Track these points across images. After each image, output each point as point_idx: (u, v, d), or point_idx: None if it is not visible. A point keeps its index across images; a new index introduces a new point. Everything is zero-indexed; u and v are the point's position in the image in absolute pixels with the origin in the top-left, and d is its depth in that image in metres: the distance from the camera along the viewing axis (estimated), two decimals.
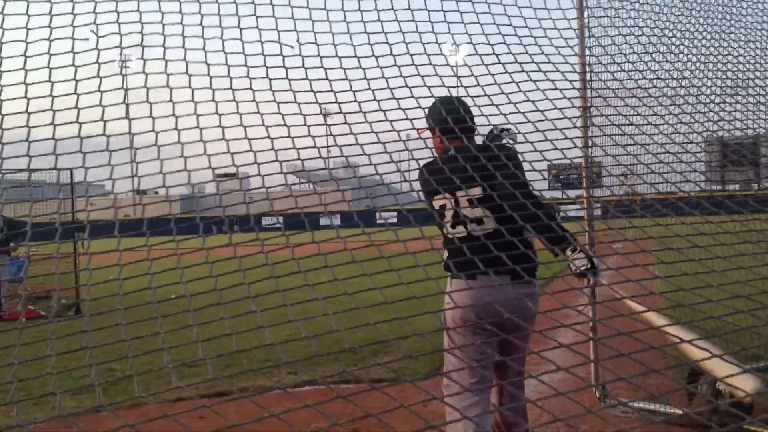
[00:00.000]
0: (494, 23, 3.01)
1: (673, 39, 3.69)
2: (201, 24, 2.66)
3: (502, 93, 2.77)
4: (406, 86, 2.78)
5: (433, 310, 2.05)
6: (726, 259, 2.03)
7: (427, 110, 3.24)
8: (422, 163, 3.15)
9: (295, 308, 1.91)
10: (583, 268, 2.99)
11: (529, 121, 2.69)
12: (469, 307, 3.00)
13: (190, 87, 2.50)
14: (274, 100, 2.53)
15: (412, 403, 1.68)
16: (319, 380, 5.92)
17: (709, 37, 3.81)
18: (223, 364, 6.25)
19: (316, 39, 2.78)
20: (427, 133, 3.29)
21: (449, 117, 2.98)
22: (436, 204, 3.17)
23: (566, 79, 3.03)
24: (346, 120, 2.53)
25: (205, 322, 1.95)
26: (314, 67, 2.70)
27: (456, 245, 3.04)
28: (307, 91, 2.61)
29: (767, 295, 1.98)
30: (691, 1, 3.92)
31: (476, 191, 2.94)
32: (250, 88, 2.55)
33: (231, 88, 2.55)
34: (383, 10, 2.99)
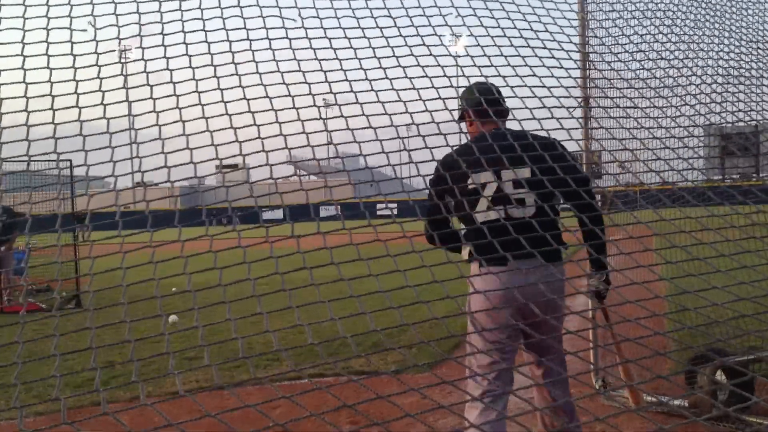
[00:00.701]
0: (494, 17, 3.00)
1: (676, 20, 3.68)
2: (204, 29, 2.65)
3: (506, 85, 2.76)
4: (427, 76, 2.75)
5: (451, 297, 2.04)
6: (730, 257, 2.02)
7: (461, 96, 3.25)
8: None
9: (298, 302, 1.90)
10: (602, 288, 3.14)
11: (534, 118, 2.68)
12: (509, 290, 2.99)
13: (194, 78, 2.49)
14: (267, 95, 2.51)
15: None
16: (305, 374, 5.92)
17: (709, 25, 3.79)
18: (223, 357, 6.26)
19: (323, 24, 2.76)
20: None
21: (483, 99, 2.97)
22: (470, 185, 3.10)
23: (565, 68, 3.03)
24: (360, 110, 2.51)
25: (209, 323, 1.95)
26: (324, 51, 2.69)
27: (493, 226, 2.99)
28: (321, 81, 2.59)
29: None
30: None
31: (525, 172, 2.92)
32: (236, 74, 2.53)
33: (236, 73, 2.53)
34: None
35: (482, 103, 2.99)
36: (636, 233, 2.60)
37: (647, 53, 3.53)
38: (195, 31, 2.61)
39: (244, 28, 2.63)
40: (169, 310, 1.88)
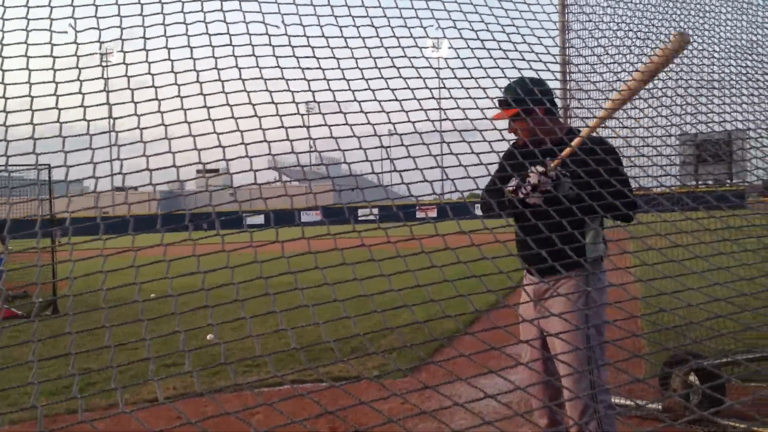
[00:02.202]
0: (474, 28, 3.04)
1: (648, 33, 3.76)
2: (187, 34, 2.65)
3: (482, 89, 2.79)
4: (409, 88, 2.77)
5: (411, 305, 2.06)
6: (706, 259, 2.07)
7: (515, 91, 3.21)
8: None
9: (281, 307, 1.91)
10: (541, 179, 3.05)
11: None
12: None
13: (176, 84, 2.49)
14: (250, 101, 2.52)
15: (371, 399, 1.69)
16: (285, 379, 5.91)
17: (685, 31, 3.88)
18: (202, 363, 6.22)
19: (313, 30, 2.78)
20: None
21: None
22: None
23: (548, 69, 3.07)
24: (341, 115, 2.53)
25: (189, 329, 1.94)
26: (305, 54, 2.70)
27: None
28: (305, 90, 2.61)
29: (746, 298, 2.03)
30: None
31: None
32: (219, 79, 2.53)
33: (220, 79, 2.53)
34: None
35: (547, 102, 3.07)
36: (615, 237, 2.65)
37: (623, 65, 3.60)
38: (177, 35, 2.61)
39: (227, 33, 2.64)
40: (148, 315, 1.88)
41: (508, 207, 3.20)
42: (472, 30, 2.99)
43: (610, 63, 3.59)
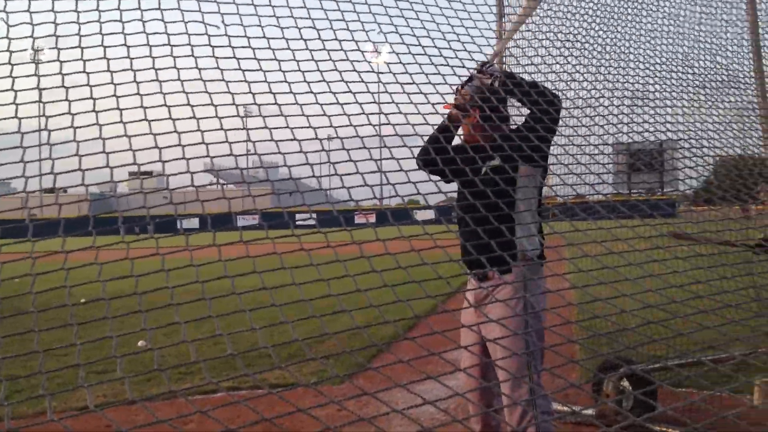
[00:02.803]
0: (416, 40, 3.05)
1: (586, 45, 3.85)
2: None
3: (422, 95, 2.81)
4: (350, 92, 2.75)
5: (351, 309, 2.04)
6: (639, 266, 2.12)
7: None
8: None
9: (217, 311, 1.87)
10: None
11: (457, 135, 2.72)
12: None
13: (112, 83, 2.41)
14: (188, 103, 2.46)
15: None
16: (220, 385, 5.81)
17: (617, 49, 4.00)
18: (133, 370, 6.05)
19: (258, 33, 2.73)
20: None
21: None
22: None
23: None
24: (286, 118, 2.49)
25: (120, 334, 1.89)
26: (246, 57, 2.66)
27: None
28: (245, 92, 2.56)
29: (677, 305, 2.08)
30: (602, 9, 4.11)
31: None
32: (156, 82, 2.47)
33: (157, 79, 2.47)
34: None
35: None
36: (552, 243, 2.69)
37: (560, 74, 3.67)
38: (114, 33, 2.54)
39: (165, 32, 2.58)
40: (78, 320, 1.81)
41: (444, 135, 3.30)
42: (414, 36, 3.01)
43: (548, 72, 3.66)
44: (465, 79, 3.20)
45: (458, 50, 3.04)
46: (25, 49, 2.50)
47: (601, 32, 4.04)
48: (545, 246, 3.23)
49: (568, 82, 3.64)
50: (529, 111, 3.09)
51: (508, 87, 3.15)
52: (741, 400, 4.20)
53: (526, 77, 3.83)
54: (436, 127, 3.19)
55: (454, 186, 3.27)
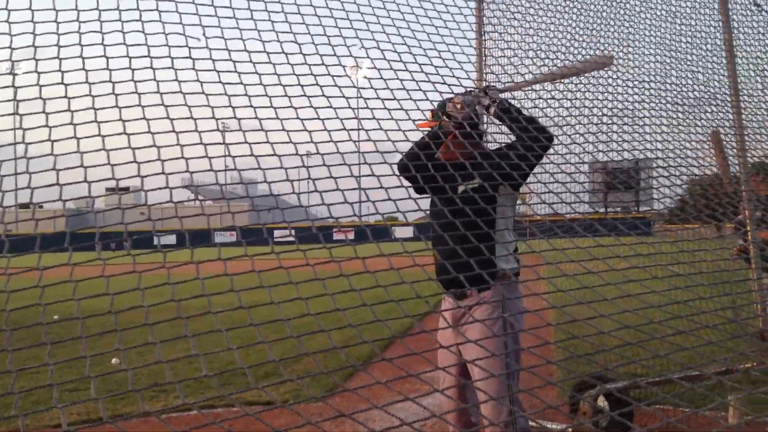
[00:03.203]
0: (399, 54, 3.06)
1: (566, 62, 3.88)
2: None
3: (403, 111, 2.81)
4: (331, 107, 2.75)
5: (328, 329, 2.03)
6: (616, 286, 2.13)
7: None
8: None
9: (193, 330, 1.84)
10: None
11: (436, 150, 2.71)
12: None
13: (90, 95, 2.38)
14: (168, 116, 2.44)
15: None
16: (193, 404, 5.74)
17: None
18: (106, 390, 5.94)
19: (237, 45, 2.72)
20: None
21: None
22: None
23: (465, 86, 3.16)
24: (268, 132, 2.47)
25: (95, 353, 1.85)
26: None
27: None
28: (225, 105, 2.54)
29: (655, 326, 2.09)
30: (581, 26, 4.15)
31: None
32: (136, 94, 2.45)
33: (136, 91, 2.44)
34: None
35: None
36: (529, 262, 2.70)
37: (539, 91, 3.71)
38: (93, 44, 2.51)
39: (146, 44, 2.56)
40: (51, 338, 1.77)
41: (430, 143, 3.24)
42: (395, 52, 3.02)
43: (528, 90, 3.69)
44: (449, 96, 3.21)
45: (439, 66, 3.05)
46: (2, 60, 2.46)
47: (581, 49, 4.08)
48: (521, 265, 3.24)
49: (547, 100, 3.67)
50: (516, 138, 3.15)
51: (502, 116, 3.20)
52: (716, 420, 4.22)
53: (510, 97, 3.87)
54: (420, 137, 3.20)
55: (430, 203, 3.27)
